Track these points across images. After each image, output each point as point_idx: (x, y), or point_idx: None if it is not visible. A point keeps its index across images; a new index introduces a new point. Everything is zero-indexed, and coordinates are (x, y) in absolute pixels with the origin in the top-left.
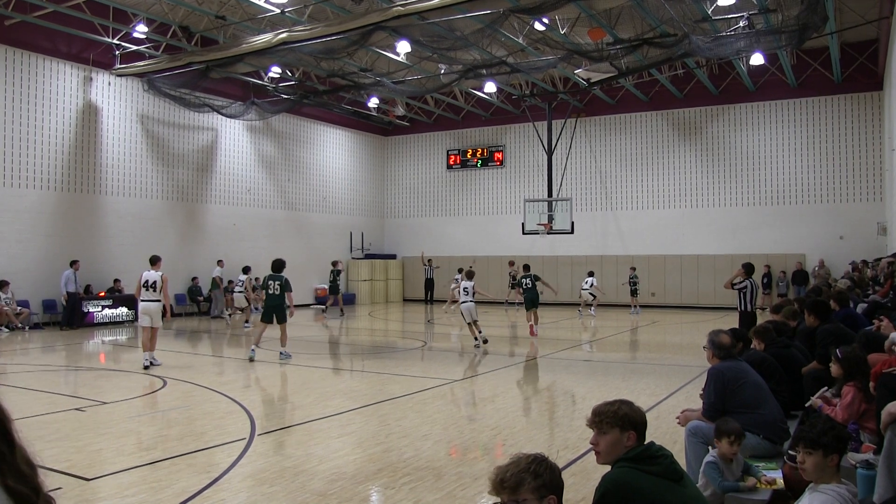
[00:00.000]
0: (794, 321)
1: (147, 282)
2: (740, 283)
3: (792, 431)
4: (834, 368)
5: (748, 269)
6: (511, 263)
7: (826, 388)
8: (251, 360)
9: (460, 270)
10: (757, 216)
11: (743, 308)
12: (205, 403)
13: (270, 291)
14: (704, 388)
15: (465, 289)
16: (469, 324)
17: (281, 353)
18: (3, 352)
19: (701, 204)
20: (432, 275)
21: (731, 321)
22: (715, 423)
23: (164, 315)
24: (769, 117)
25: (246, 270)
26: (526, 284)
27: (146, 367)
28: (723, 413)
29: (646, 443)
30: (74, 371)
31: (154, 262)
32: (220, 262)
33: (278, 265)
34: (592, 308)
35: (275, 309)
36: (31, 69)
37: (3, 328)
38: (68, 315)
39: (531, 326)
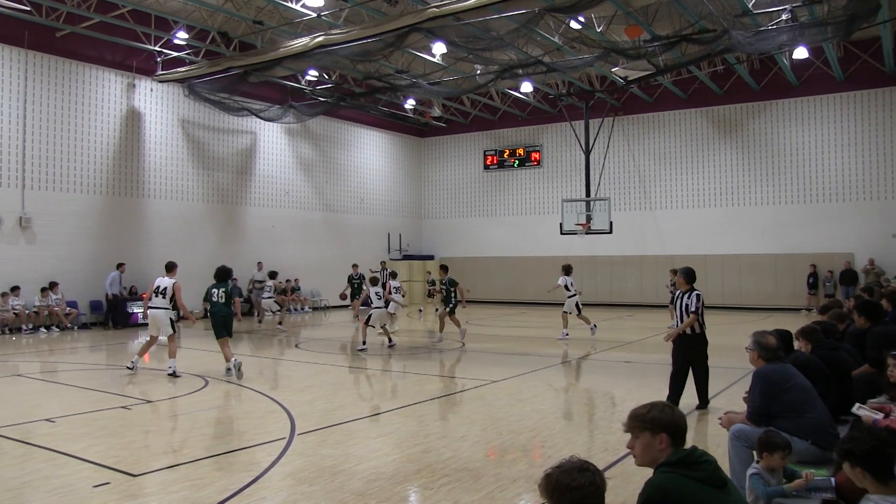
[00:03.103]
0: (843, 323)
1: (158, 287)
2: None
3: (843, 437)
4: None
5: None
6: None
7: (880, 396)
8: (228, 371)
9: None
10: (801, 214)
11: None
12: (245, 403)
13: (215, 300)
14: (748, 390)
15: (377, 294)
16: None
17: (228, 370)
18: (54, 350)
19: (743, 202)
20: (386, 279)
21: (776, 322)
22: (760, 436)
23: (180, 319)
24: (814, 113)
25: (273, 275)
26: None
27: (129, 368)
28: (768, 417)
29: (689, 447)
30: (120, 370)
31: (169, 268)
32: (259, 265)
33: (223, 273)
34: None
35: (225, 318)
36: (78, 78)
37: (53, 328)
38: (110, 316)
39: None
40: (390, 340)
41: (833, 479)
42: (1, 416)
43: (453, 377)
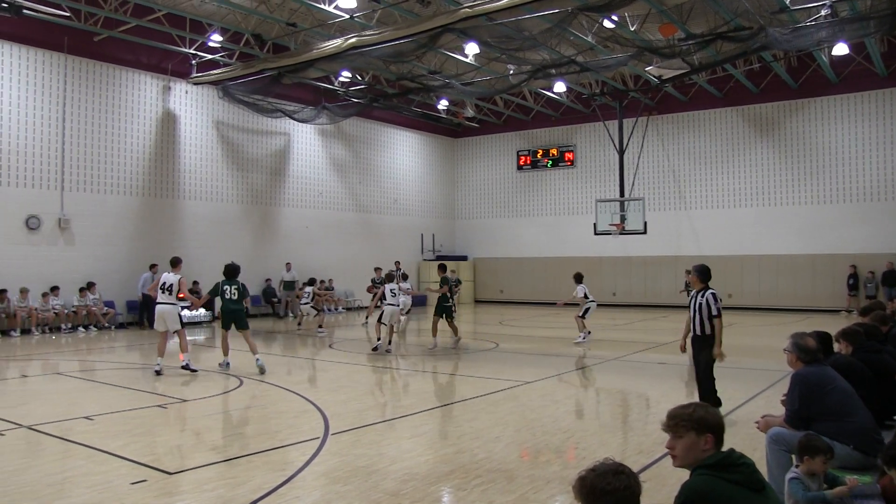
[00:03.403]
0: (885, 325)
1: (164, 284)
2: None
3: (888, 443)
4: None
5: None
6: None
7: None
8: (221, 365)
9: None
10: (841, 214)
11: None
12: (279, 403)
13: (227, 296)
14: (787, 393)
15: (391, 291)
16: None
17: (257, 361)
18: (92, 349)
19: (779, 202)
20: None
21: (814, 324)
22: (801, 439)
23: (191, 307)
24: (855, 110)
25: (311, 282)
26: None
27: (157, 373)
28: (807, 421)
29: (726, 450)
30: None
31: (174, 263)
32: (287, 265)
33: (233, 270)
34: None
35: (234, 314)
36: (115, 81)
37: (91, 327)
38: (144, 315)
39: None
40: (389, 343)
41: (878, 486)
42: (42, 413)
43: (486, 378)
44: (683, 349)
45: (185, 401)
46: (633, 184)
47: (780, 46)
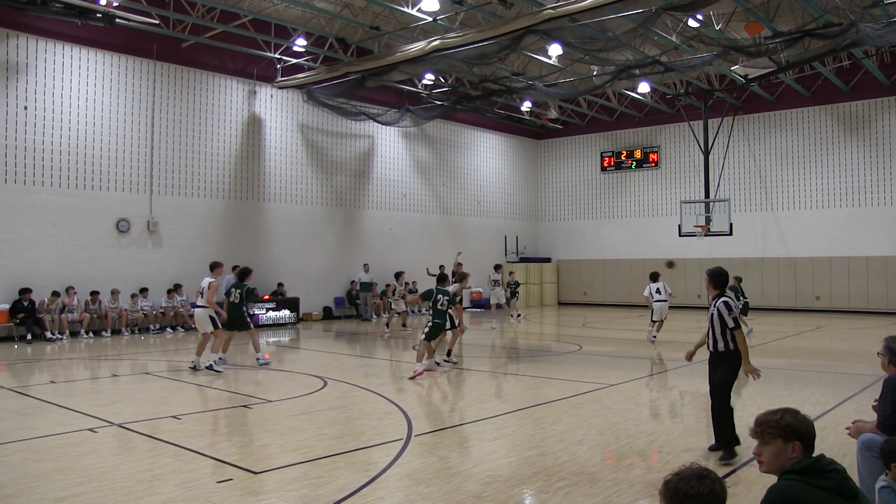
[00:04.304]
0: None
1: (201, 287)
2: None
3: None
4: None
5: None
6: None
7: None
8: (209, 368)
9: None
10: None
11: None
12: (363, 404)
13: (231, 299)
14: (879, 398)
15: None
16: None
17: (258, 359)
18: (179, 350)
19: (871, 202)
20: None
21: None
22: (883, 446)
23: (217, 321)
24: None
25: (398, 276)
26: (441, 305)
27: (192, 368)
28: None
29: (816, 455)
30: (242, 370)
31: (212, 268)
32: (365, 266)
33: (242, 273)
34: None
35: (233, 318)
36: (202, 86)
37: (178, 328)
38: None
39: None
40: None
41: None
42: (132, 412)
43: (570, 380)
44: (690, 357)
45: (269, 401)
46: (718, 184)
47: (872, 42)
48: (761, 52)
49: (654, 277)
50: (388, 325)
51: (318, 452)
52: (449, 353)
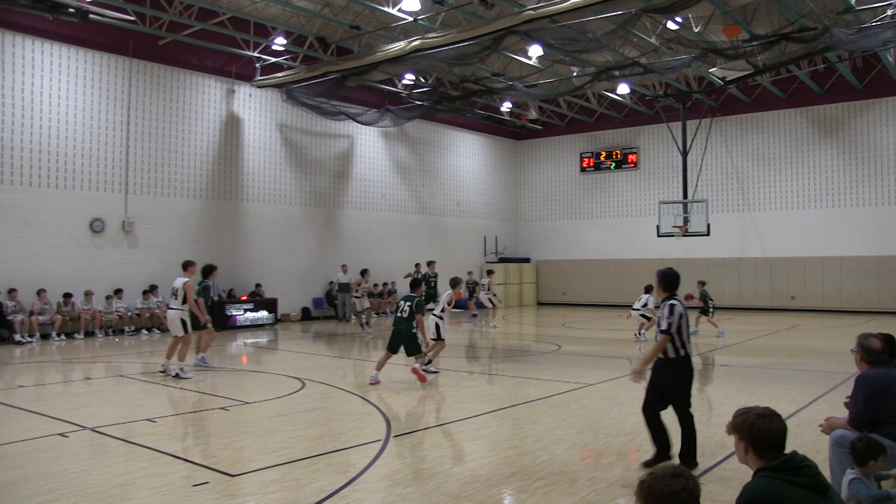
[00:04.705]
0: None
1: (173, 289)
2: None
3: None
4: None
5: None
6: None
7: None
8: (176, 376)
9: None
10: None
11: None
12: (341, 405)
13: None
14: (851, 395)
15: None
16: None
17: (196, 359)
18: (155, 352)
19: (845, 203)
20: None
21: (878, 325)
22: (856, 444)
23: (197, 324)
24: None
25: (363, 273)
26: (402, 312)
27: (162, 371)
28: (872, 423)
29: (789, 452)
30: (219, 371)
31: (184, 267)
32: (343, 267)
33: (203, 271)
34: (643, 332)
35: (193, 316)
36: (180, 84)
37: (154, 329)
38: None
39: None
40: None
41: None
42: (106, 415)
43: (549, 380)
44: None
45: (247, 403)
46: (696, 185)
47: (846, 47)
48: (739, 55)
49: (648, 290)
50: (366, 323)
51: (296, 454)
52: (429, 363)
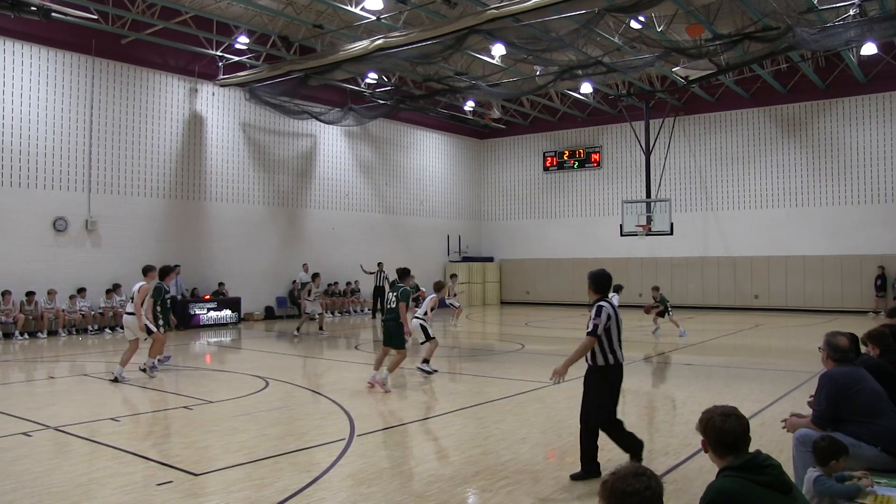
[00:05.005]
0: None
1: (132, 292)
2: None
3: None
4: None
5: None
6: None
7: None
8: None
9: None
10: (869, 215)
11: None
12: (305, 404)
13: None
14: (815, 394)
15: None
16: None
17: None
18: (118, 351)
19: (807, 203)
20: (382, 281)
21: (841, 324)
22: (819, 444)
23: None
24: (883, 110)
25: (315, 277)
26: (390, 302)
27: (113, 380)
28: (834, 421)
29: (753, 452)
30: (182, 371)
31: (144, 272)
32: (304, 266)
33: (159, 272)
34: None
35: (155, 317)
36: (143, 83)
37: (118, 328)
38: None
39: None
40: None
41: None
42: (69, 414)
43: (513, 379)
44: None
45: (210, 402)
46: (659, 185)
47: (808, 46)
48: (702, 54)
49: (617, 289)
50: (298, 329)
51: (260, 453)
52: (425, 362)
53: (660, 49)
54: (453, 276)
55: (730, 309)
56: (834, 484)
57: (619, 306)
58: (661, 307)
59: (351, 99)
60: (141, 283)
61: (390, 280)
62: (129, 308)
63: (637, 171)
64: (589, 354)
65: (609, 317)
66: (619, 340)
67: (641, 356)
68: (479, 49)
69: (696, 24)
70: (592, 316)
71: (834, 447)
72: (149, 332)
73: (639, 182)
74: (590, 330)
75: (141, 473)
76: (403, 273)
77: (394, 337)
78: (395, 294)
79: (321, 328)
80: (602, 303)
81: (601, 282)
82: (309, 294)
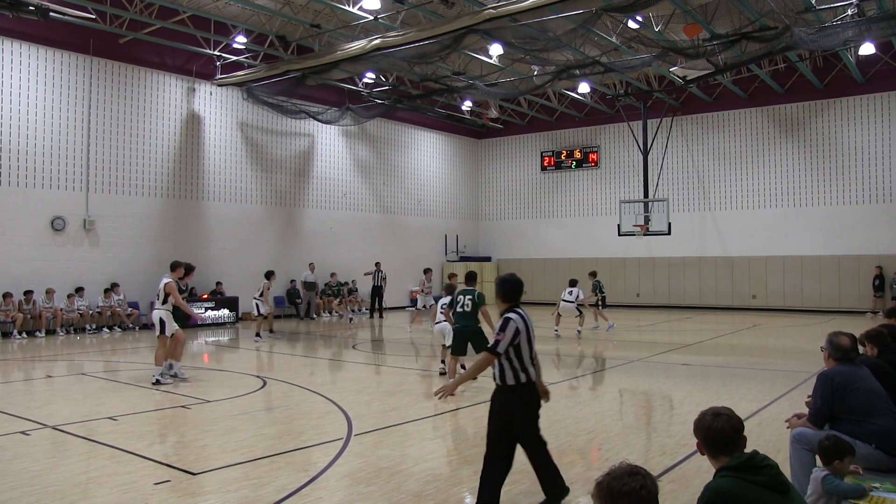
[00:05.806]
0: None
1: (158, 289)
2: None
3: None
4: None
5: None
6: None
7: None
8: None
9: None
10: (867, 215)
11: None
12: (303, 404)
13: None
14: (812, 393)
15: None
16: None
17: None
18: (116, 350)
19: (805, 203)
20: (380, 281)
21: (839, 324)
22: (824, 443)
23: (187, 322)
24: (881, 110)
25: (269, 275)
26: (464, 307)
27: (154, 383)
28: (830, 420)
29: (750, 452)
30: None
31: (172, 268)
32: (311, 266)
33: (170, 266)
34: (580, 329)
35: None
36: (140, 83)
37: (115, 328)
38: None
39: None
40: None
41: None
42: (67, 413)
43: None
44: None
45: (208, 402)
46: (657, 185)
47: (806, 46)
48: (700, 54)
49: (572, 283)
50: (259, 333)
51: (257, 453)
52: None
53: (657, 49)
54: (452, 275)
55: (727, 309)
56: (841, 483)
57: (608, 305)
58: (594, 296)
59: (348, 99)
60: (167, 280)
61: (387, 280)
62: (158, 305)
63: (634, 171)
64: (497, 372)
65: (517, 332)
66: (532, 357)
67: (639, 356)
68: (476, 49)
69: (694, 23)
70: (497, 330)
71: (839, 447)
72: (162, 331)
73: (636, 182)
74: (490, 346)
75: (139, 472)
76: (471, 277)
77: (475, 342)
78: (471, 297)
79: (271, 330)
80: (510, 314)
81: (508, 288)
82: (261, 295)
